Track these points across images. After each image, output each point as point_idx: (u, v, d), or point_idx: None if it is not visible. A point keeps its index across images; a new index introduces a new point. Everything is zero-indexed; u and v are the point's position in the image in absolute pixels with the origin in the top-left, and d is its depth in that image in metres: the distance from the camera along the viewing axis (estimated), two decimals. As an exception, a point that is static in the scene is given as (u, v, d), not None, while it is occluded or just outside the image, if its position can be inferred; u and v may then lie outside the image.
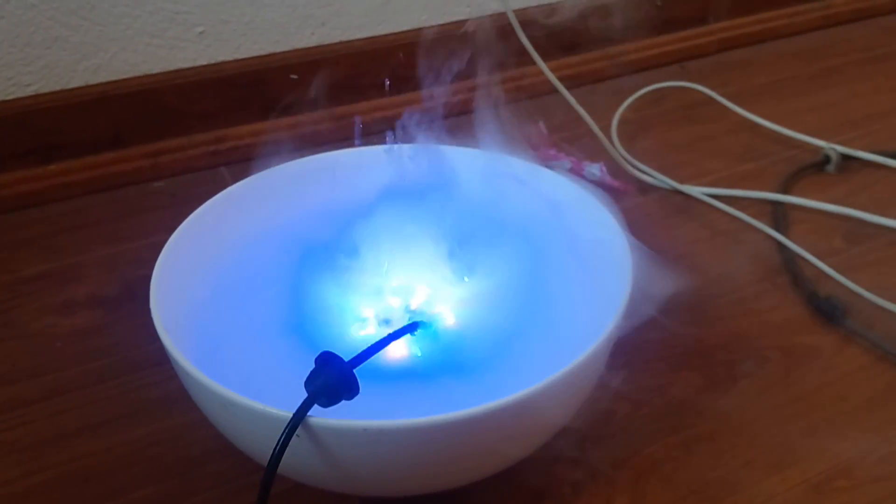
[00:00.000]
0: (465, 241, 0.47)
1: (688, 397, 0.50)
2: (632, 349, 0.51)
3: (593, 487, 0.45)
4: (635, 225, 0.63)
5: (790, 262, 0.61)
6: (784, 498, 0.44)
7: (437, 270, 0.46)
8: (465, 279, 0.46)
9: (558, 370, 0.36)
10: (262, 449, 0.36)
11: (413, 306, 0.46)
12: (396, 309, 0.46)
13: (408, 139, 0.56)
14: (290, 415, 0.33)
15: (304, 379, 0.36)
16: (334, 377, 0.35)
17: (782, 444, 0.47)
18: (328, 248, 0.49)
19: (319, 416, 0.34)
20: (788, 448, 0.47)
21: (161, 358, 0.53)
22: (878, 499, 0.44)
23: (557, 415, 0.39)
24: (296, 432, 0.33)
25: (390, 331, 0.42)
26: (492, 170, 0.53)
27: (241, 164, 0.76)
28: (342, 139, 0.79)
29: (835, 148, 0.73)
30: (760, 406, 0.50)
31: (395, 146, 0.53)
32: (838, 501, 0.44)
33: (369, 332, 0.45)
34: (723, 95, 0.84)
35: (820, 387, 0.51)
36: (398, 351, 0.43)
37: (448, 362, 0.43)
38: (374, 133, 0.82)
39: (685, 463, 0.46)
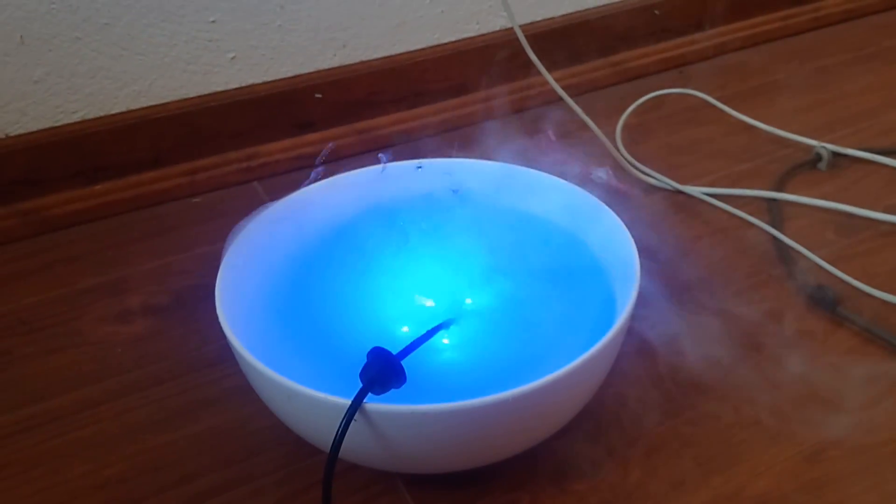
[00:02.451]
0: (490, 247, 0.52)
1: (693, 379, 0.55)
2: (641, 336, 0.57)
3: (610, 463, 0.50)
4: (641, 224, 0.69)
5: (785, 255, 0.66)
6: (782, 467, 0.50)
7: (468, 273, 0.52)
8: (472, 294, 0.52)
9: (575, 360, 0.41)
10: (321, 434, 0.41)
11: (445, 307, 0.51)
12: (430, 309, 0.51)
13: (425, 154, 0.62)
14: (349, 402, 0.38)
15: (350, 371, 0.41)
16: (385, 368, 0.40)
17: (779, 420, 0.52)
18: (369, 255, 0.54)
19: (373, 403, 0.39)
20: (785, 423, 0.52)
21: (214, 359, 0.59)
22: (865, 465, 0.49)
23: (577, 398, 0.44)
24: (354, 417, 0.39)
25: (429, 328, 0.47)
26: (511, 181, 0.58)
27: (272, 178, 0.82)
28: (364, 152, 0.85)
29: (826, 146, 0.78)
30: (759, 386, 0.55)
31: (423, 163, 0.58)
32: (829, 468, 0.49)
33: (407, 331, 0.51)
34: (720, 98, 0.89)
35: (813, 368, 0.56)
36: (434, 343, 0.49)
37: (480, 354, 0.48)
38: (394, 145, 0.87)
39: (691, 439, 0.51)
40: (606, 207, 0.54)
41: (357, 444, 0.41)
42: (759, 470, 0.49)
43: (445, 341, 0.50)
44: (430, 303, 0.52)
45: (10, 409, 0.56)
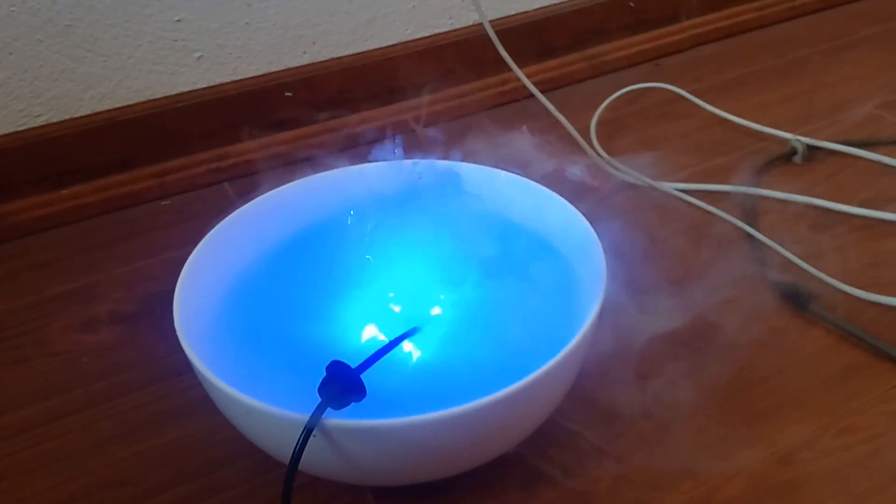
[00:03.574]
0: (457, 250, 0.51)
1: (662, 381, 0.55)
2: (613, 339, 0.57)
3: (580, 469, 0.49)
4: (613, 221, 0.68)
5: (759, 252, 0.66)
6: (753, 469, 0.49)
7: (432, 280, 0.51)
8: (442, 297, 0.51)
9: (536, 370, 0.40)
10: (282, 448, 0.41)
11: (411, 313, 0.50)
12: (396, 315, 0.50)
13: (398, 153, 0.61)
14: (307, 418, 0.38)
15: (314, 382, 0.41)
16: (344, 383, 0.39)
17: (752, 421, 0.52)
18: (332, 260, 0.54)
19: (332, 418, 0.38)
20: (757, 425, 0.52)
21: (181, 368, 0.58)
22: (838, 467, 0.49)
23: (540, 408, 0.44)
24: (312, 433, 0.38)
25: (391, 338, 0.46)
26: (480, 181, 0.57)
27: (242, 179, 0.81)
28: (336, 150, 0.84)
29: (801, 139, 0.77)
30: (731, 387, 0.54)
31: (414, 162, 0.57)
32: (802, 471, 0.49)
33: (373, 337, 0.50)
34: (696, 91, 0.88)
35: (786, 367, 0.56)
36: (399, 353, 0.48)
37: (442, 363, 0.48)
38: (368, 143, 0.86)
39: (664, 440, 0.51)
40: (574, 209, 0.53)
41: (318, 459, 0.40)
42: (730, 473, 0.49)
43: (409, 349, 0.49)
44: (396, 308, 0.51)
45: (-26, 421, 0.55)
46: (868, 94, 0.88)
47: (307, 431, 0.37)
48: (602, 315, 0.46)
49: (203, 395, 0.49)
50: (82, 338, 0.62)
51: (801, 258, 0.64)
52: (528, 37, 0.92)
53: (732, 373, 0.55)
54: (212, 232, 0.53)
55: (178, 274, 0.50)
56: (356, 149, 0.84)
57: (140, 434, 0.54)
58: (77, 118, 0.74)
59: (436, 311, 0.50)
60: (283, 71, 0.81)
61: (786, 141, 0.79)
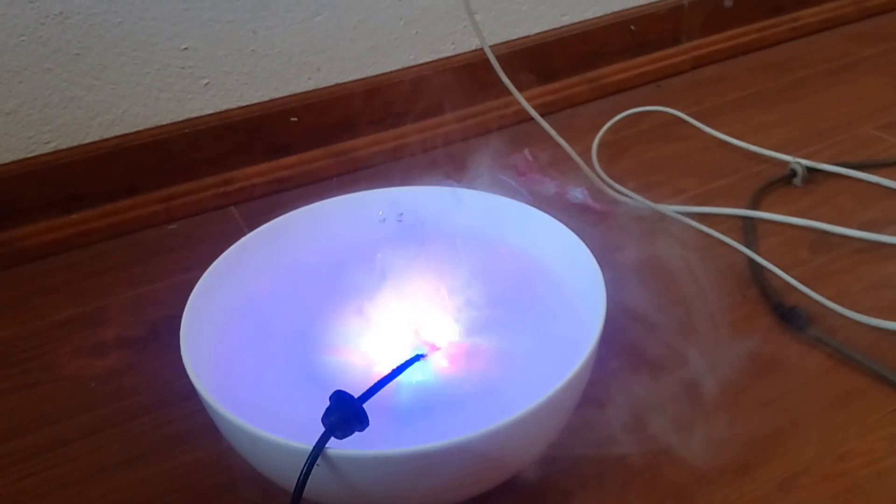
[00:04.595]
0: (462, 281, 0.52)
1: (664, 407, 0.55)
2: (612, 364, 0.57)
3: (582, 494, 0.50)
4: (614, 244, 0.69)
5: (758, 275, 0.66)
6: (753, 496, 0.50)
7: (436, 309, 0.52)
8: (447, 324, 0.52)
9: (537, 399, 0.41)
10: (286, 476, 0.41)
11: (414, 341, 0.51)
12: (400, 343, 0.51)
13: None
14: (311, 447, 0.38)
15: (319, 408, 0.41)
16: (347, 413, 0.40)
17: (751, 446, 0.52)
18: (337, 286, 0.54)
19: (336, 447, 0.39)
20: (757, 449, 0.52)
21: (188, 392, 0.58)
22: (838, 492, 0.49)
23: (542, 435, 0.44)
24: (316, 462, 0.39)
25: (395, 365, 0.47)
26: (480, 206, 0.58)
27: (248, 203, 0.82)
28: (341, 174, 0.85)
29: (800, 162, 0.78)
30: (731, 412, 0.55)
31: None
32: (801, 497, 0.49)
33: (377, 364, 0.51)
34: (696, 114, 0.89)
35: (785, 392, 0.56)
36: (403, 380, 0.49)
37: (445, 392, 0.48)
38: (371, 166, 0.88)
39: (663, 469, 0.51)
40: (577, 237, 0.54)
41: (322, 487, 0.41)
42: (732, 498, 0.49)
43: (417, 376, 0.50)
44: (402, 338, 0.52)
45: (-17, 447, 0.56)
46: (868, 115, 0.89)
47: (311, 461, 0.38)
48: (604, 337, 0.47)
49: (208, 420, 0.50)
50: (90, 362, 0.63)
51: (800, 281, 0.65)
52: (530, 60, 0.93)
53: (731, 398, 0.56)
54: (220, 258, 0.54)
55: (185, 298, 0.51)
56: (360, 172, 0.85)
57: (147, 459, 0.54)
58: (85, 145, 0.75)
59: (440, 339, 0.51)
60: (288, 97, 0.82)
61: (786, 163, 0.79)
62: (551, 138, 0.80)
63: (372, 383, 0.43)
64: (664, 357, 0.58)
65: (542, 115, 0.76)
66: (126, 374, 0.62)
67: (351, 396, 0.41)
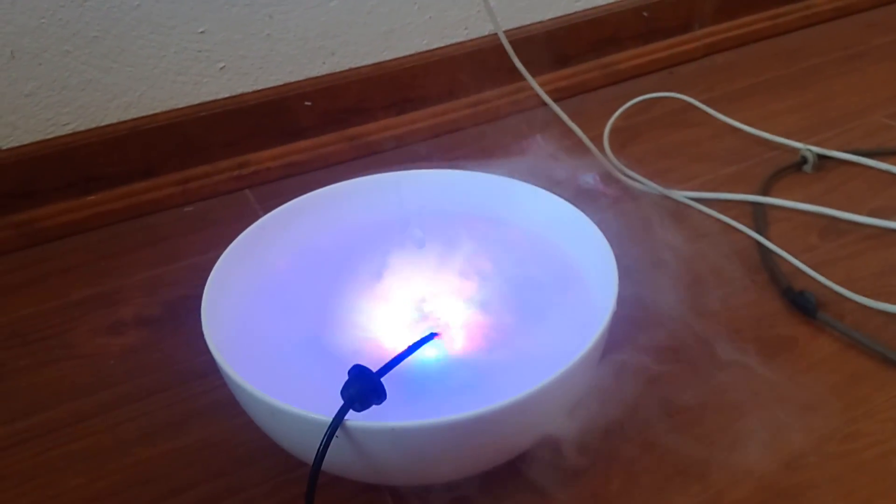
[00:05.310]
0: (472, 260, 0.53)
1: (673, 388, 0.56)
2: (626, 346, 0.58)
3: (591, 471, 0.51)
4: (625, 229, 0.69)
5: (768, 260, 0.67)
6: (761, 473, 0.50)
7: (450, 286, 0.53)
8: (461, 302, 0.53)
9: (552, 375, 0.42)
10: (305, 448, 0.42)
11: (430, 317, 0.52)
12: (414, 322, 0.52)
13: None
14: (331, 419, 0.39)
15: (334, 384, 0.42)
16: (365, 386, 0.41)
17: (758, 426, 0.53)
18: (352, 267, 0.55)
19: (354, 420, 0.40)
20: (763, 429, 0.53)
21: (205, 370, 0.60)
22: (843, 472, 0.50)
23: (556, 410, 0.45)
24: (335, 434, 0.40)
25: (410, 343, 0.48)
26: (494, 191, 0.59)
27: (263, 186, 0.83)
28: (354, 158, 0.86)
29: (811, 149, 0.78)
30: (739, 391, 0.56)
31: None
32: (808, 476, 0.50)
33: (391, 342, 0.52)
34: (708, 100, 0.90)
35: (794, 374, 0.57)
36: (419, 357, 0.50)
37: (460, 367, 0.49)
38: (385, 150, 0.88)
39: (674, 445, 0.52)
40: (589, 220, 0.54)
41: (340, 459, 0.42)
42: (738, 477, 0.50)
43: (429, 352, 0.51)
44: (419, 315, 0.53)
45: (5, 421, 0.57)
46: (879, 103, 0.89)
47: (330, 433, 0.39)
48: (612, 323, 0.48)
49: (226, 397, 0.51)
50: (108, 341, 0.64)
51: (810, 266, 0.65)
52: (543, 46, 0.93)
53: (741, 380, 0.57)
54: (238, 238, 0.55)
55: (200, 279, 0.52)
56: (374, 157, 0.86)
57: (164, 434, 0.55)
58: (103, 127, 0.76)
59: (453, 318, 0.52)
60: (303, 81, 0.83)
61: (796, 150, 0.80)
62: (563, 124, 0.80)
63: (386, 360, 0.44)
64: (672, 340, 0.59)
65: (555, 101, 0.76)
66: (144, 351, 0.63)
67: (370, 370, 0.41)
